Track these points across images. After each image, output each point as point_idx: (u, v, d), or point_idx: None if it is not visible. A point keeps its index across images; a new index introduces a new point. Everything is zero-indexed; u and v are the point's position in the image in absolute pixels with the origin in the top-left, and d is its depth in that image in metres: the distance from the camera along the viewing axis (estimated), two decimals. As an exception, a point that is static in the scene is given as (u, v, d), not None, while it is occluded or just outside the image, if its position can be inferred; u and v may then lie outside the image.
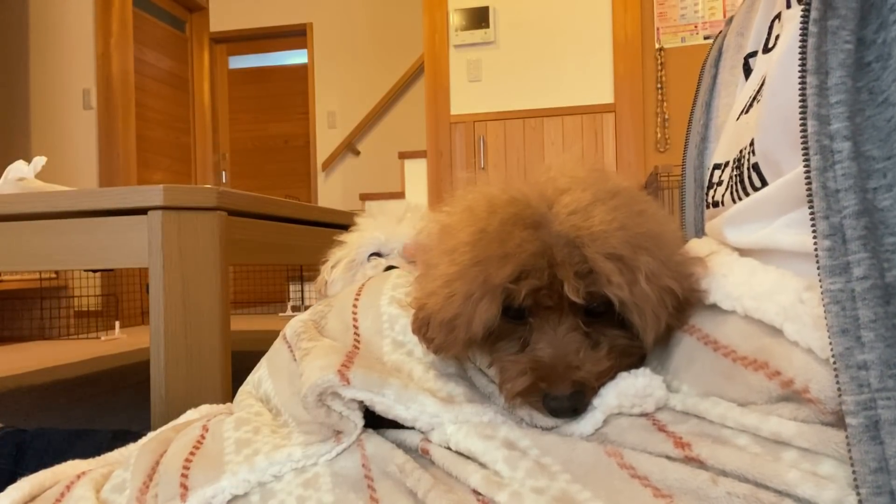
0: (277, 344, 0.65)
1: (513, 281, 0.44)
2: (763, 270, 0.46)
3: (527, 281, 0.44)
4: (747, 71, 0.65)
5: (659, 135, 3.29)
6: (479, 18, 3.42)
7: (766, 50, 0.59)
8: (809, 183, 0.39)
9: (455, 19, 3.44)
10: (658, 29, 3.28)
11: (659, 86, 3.28)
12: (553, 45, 3.37)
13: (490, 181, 0.52)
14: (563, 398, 0.45)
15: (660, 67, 3.28)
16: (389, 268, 0.94)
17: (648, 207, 0.49)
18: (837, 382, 0.37)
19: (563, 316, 0.47)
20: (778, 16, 0.58)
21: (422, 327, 0.51)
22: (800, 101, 0.40)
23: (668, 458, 0.42)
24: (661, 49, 3.28)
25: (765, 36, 0.60)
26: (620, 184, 0.49)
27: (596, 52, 3.32)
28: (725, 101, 0.70)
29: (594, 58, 3.32)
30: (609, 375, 0.47)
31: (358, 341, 0.58)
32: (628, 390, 0.46)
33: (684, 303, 0.48)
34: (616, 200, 0.46)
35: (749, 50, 0.65)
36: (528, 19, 3.40)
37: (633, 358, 0.49)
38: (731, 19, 0.73)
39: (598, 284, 0.44)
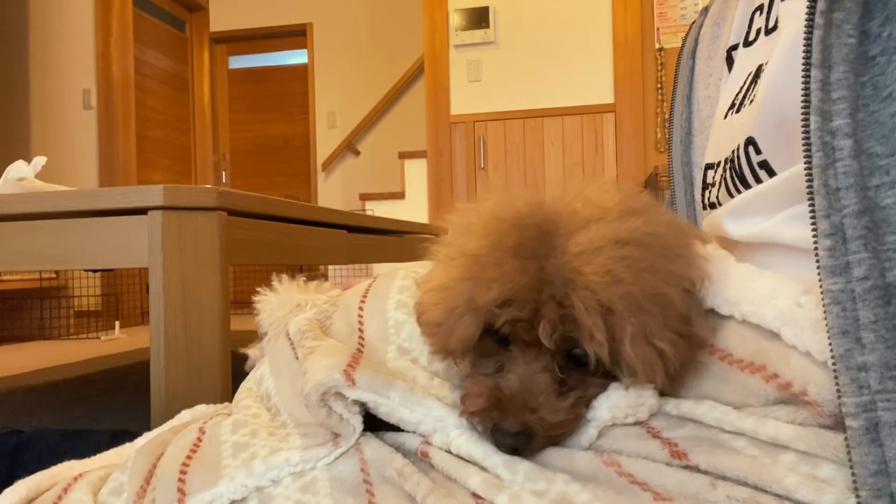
0: (280, 341, 0.65)
1: (497, 306, 0.44)
2: (760, 275, 0.46)
3: (509, 309, 0.44)
4: (730, 63, 0.64)
5: (659, 135, 3.29)
6: (479, 18, 3.42)
7: (747, 43, 0.58)
8: (811, 180, 0.39)
9: (455, 19, 3.44)
10: (658, 29, 3.28)
11: (659, 86, 3.28)
12: (553, 45, 3.37)
13: (517, 192, 0.49)
14: (507, 434, 0.44)
15: (660, 67, 3.28)
16: None
17: (659, 262, 0.44)
18: (837, 384, 0.37)
19: (540, 354, 0.45)
20: (759, 8, 0.57)
21: (422, 327, 0.52)
22: (802, 96, 0.39)
23: (666, 464, 0.42)
24: (661, 49, 3.28)
25: (745, 28, 0.59)
26: (648, 225, 0.45)
27: (596, 52, 3.32)
28: (705, 92, 0.69)
29: (594, 58, 3.32)
30: (566, 429, 0.45)
31: (362, 345, 0.58)
32: (620, 402, 0.45)
33: (680, 368, 0.45)
34: (630, 248, 0.43)
35: (731, 42, 0.63)
36: (528, 19, 3.40)
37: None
38: (706, 9, 0.72)
39: (579, 334, 0.43)
